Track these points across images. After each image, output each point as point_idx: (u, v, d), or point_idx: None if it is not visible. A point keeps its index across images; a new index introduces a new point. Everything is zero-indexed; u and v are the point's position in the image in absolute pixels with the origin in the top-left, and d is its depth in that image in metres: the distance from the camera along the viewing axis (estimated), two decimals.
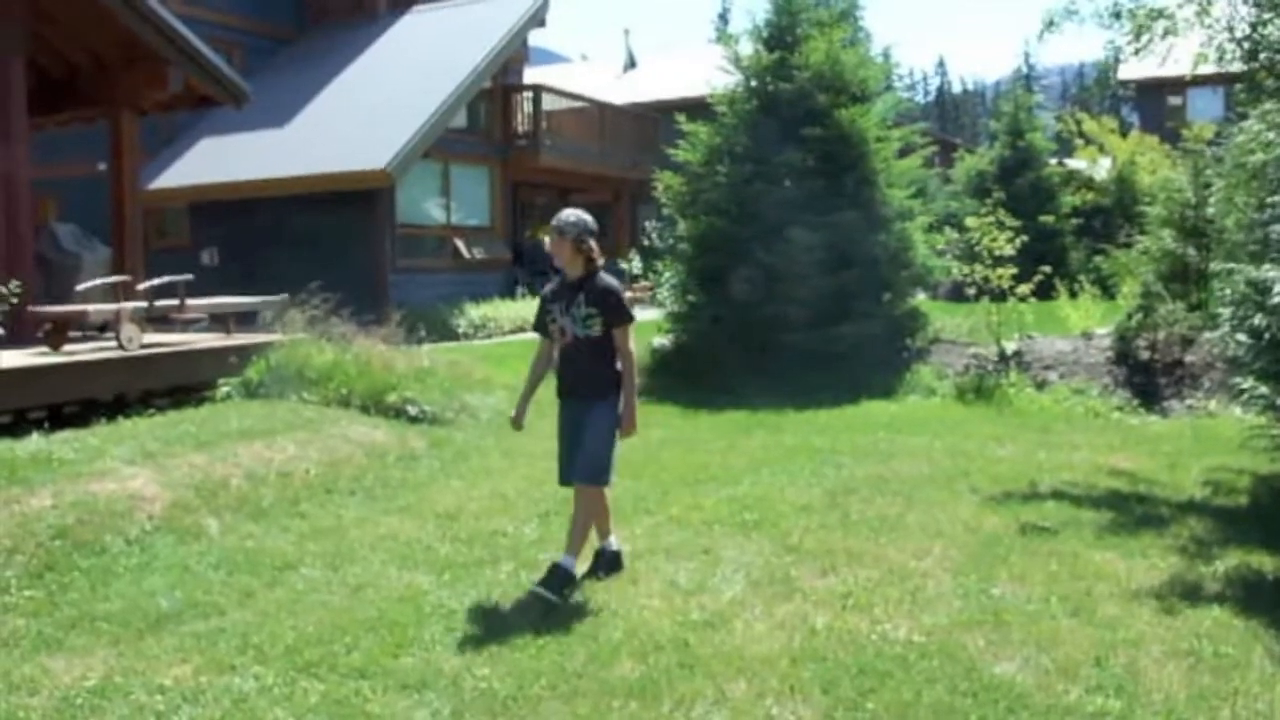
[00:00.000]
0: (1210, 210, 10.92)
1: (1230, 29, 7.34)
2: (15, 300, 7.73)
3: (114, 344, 8.76)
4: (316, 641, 4.11)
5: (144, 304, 9.23)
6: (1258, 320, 6.05)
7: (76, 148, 15.45)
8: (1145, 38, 7.62)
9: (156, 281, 9.44)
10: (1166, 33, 7.54)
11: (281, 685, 3.72)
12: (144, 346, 8.81)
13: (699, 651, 3.92)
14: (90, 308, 9.00)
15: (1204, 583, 4.66)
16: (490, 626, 4.21)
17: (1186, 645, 3.92)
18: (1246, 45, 7.28)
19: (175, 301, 9.49)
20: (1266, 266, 6.12)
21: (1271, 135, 6.42)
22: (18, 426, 7.32)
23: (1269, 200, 6.37)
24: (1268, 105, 6.73)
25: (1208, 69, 7.85)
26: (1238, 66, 7.47)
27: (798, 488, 6.39)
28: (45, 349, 8.72)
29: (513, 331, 17.25)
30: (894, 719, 3.40)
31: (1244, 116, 7.12)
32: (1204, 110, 26.31)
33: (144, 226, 12.25)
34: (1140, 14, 7.64)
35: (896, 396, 9.85)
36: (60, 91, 11.52)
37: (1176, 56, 7.75)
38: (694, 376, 10.75)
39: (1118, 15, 7.78)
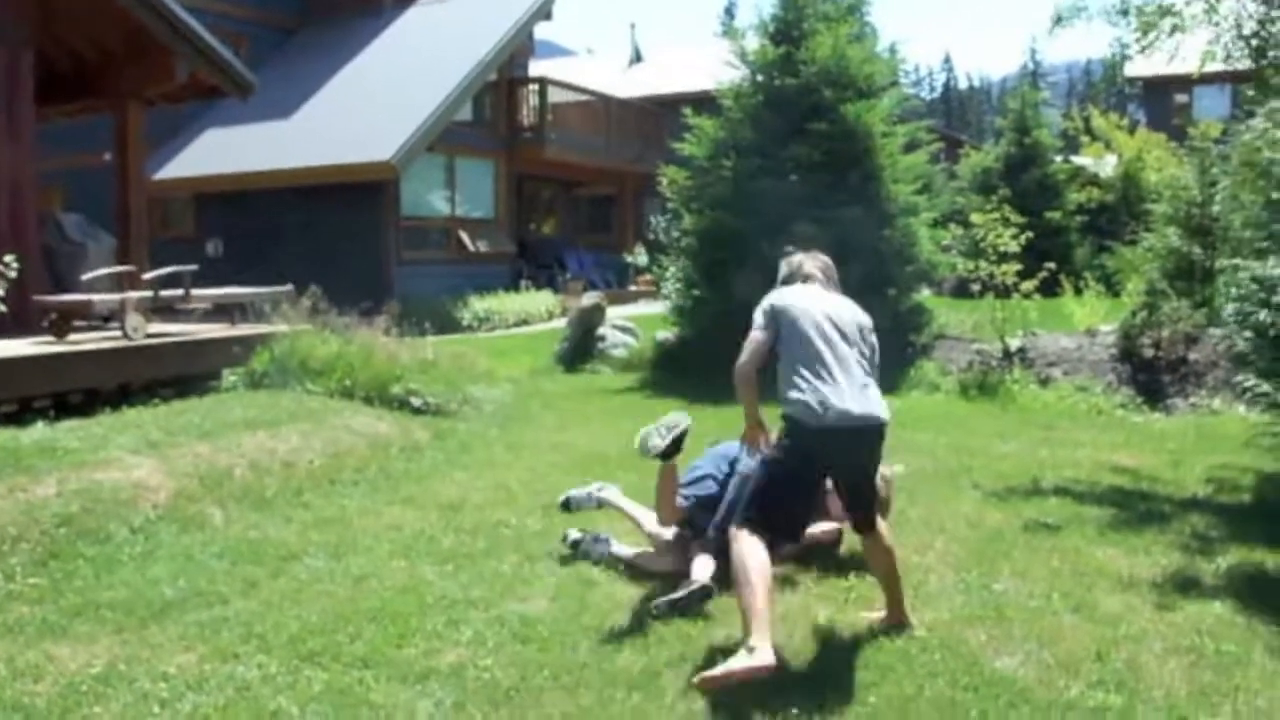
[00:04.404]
0: (1216, 208, 10.92)
1: (1238, 26, 7.34)
2: (14, 275, 7.68)
3: (119, 334, 8.77)
4: (320, 631, 4.12)
5: (149, 294, 9.24)
6: (1263, 317, 6.06)
7: (83, 138, 15.48)
8: (1152, 35, 7.61)
9: (162, 272, 9.45)
10: (1174, 30, 7.53)
11: (285, 674, 3.73)
12: (149, 336, 8.82)
13: (701, 644, 3.93)
14: (95, 297, 9.01)
15: (1206, 579, 4.66)
16: (493, 618, 4.21)
17: (1188, 641, 3.93)
18: (1254, 43, 7.28)
19: (180, 292, 9.50)
20: (1272, 263, 6.13)
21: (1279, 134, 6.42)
22: (23, 415, 7.33)
23: (1276, 197, 6.37)
24: (1275, 103, 6.74)
25: (1215, 67, 7.84)
26: (1245, 64, 7.46)
27: None
28: (50, 338, 8.73)
29: (516, 324, 17.28)
30: (895, 713, 3.40)
31: (1251, 114, 7.11)
32: (1210, 108, 26.24)
33: (149, 217, 12.27)
34: (1148, 11, 7.63)
35: (899, 392, 9.83)
36: (67, 83, 11.50)
37: (1184, 54, 7.74)
38: (698, 370, 10.73)
39: (1125, 12, 7.77)
